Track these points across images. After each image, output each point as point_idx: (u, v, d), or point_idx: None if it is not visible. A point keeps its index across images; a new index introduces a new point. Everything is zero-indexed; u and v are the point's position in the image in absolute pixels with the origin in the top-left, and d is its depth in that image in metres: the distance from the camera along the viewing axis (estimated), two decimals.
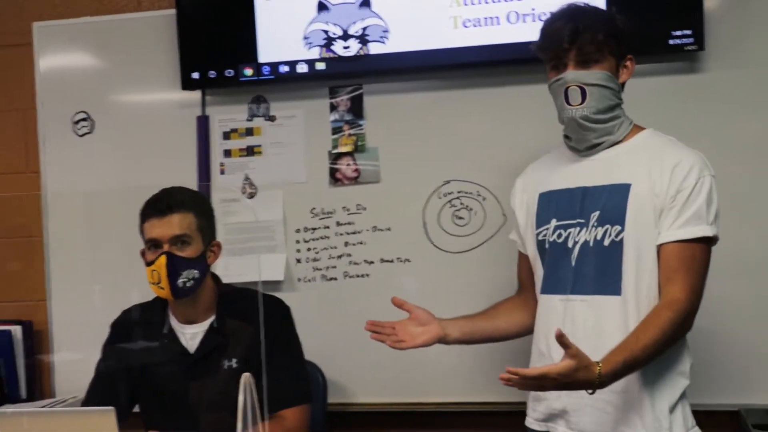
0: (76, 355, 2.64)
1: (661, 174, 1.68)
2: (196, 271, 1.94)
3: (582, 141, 1.77)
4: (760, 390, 2.26)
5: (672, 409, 1.67)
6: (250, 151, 2.62)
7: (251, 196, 2.60)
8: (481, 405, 2.45)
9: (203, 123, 2.64)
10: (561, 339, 1.50)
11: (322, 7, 2.50)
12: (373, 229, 2.54)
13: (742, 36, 2.31)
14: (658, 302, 1.66)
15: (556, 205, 1.80)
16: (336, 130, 2.56)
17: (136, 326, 2.08)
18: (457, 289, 2.47)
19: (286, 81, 2.54)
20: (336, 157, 2.56)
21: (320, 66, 2.51)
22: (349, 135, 2.55)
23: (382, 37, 2.47)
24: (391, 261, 2.52)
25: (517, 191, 1.95)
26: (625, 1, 2.24)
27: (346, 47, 2.49)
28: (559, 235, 1.77)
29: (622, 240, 1.69)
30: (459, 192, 2.49)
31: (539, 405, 1.80)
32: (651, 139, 1.77)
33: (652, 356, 1.60)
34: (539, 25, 2.32)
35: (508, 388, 2.18)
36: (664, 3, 2.29)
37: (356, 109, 2.55)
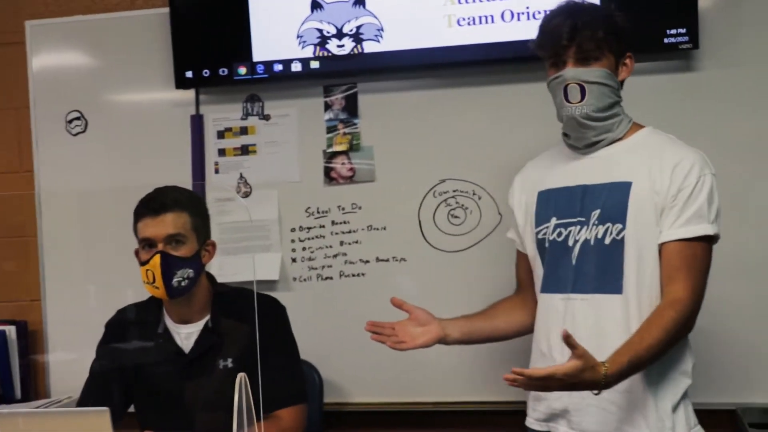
0: (70, 355, 2.64)
1: (661, 172, 1.67)
2: (190, 271, 1.93)
3: (581, 139, 1.76)
4: (758, 389, 2.27)
5: (675, 409, 1.67)
6: (245, 150, 2.61)
7: (246, 195, 2.60)
8: (479, 404, 2.45)
9: (197, 122, 2.63)
10: (568, 339, 1.49)
11: (316, 6, 2.49)
12: (369, 228, 2.53)
13: (737, 35, 2.31)
14: (659, 301, 1.66)
15: (555, 203, 1.79)
16: (331, 129, 2.56)
17: (131, 326, 2.07)
18: (453, 288, 2.47)
19: (281, 80, 2.54)
20: (331, 156, 2.55)
21: (314, 65, 2.51)
22: (344, 134, 2.55)
23: (376, 35, 2.47)
24: (387, 260, 2.52)
25: (515, 190, 1.94)
26: (620, 0, 2.23)
27: (340, 46, 2.49)
28: (559, 234, 1.76)
29: (623, 238, 1.68)
30: (454, 191, 2.49)
31: (540, 405, 1.80)
32: (651, 137, 1.77)
33: (656, 356, 1.60)
34: (534, 23, 2.35)
35: (506, 388, 2.17)
36: (659, 2, 2.29)
37: (351, 107, 2.55)
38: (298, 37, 2.50)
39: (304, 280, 2.56)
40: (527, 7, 2.38)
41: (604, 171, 1.73)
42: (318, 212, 2.56)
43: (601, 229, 1.70)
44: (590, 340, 1.63)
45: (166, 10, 2.57)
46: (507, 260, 2.24)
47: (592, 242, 1.71)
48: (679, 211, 1.65)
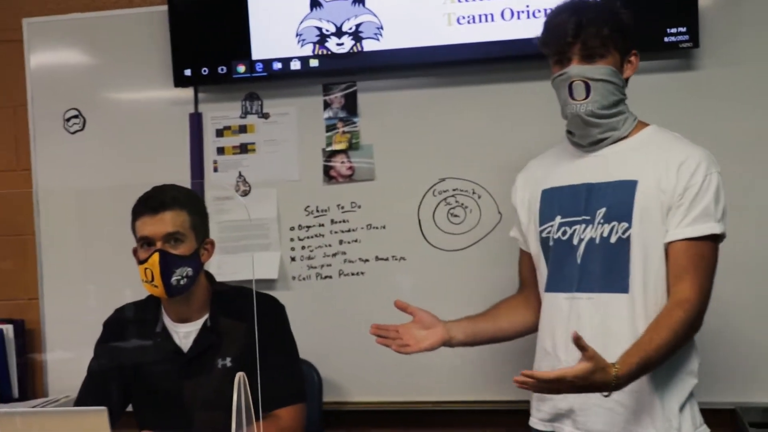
0: (68, 354, 2.63)
1: (667, 171, 1.66)
2: (189, 269, 1.92)
3: (586, 137, 1.75)
4: (757, 388, 2.27)
5: (681, 408, 1.67)
6: (244, 148, 2.60)
7: (245, 193, 2.60)
8: (480, 404, 2.44)
9: (196, 120, 2.62)
10: (578, 341, 1.48)
11: (315, 4, 2.48)
12: (368, 227, 2.53)
13: (737, 34, 2.31)
14: (665, 300, 1.65)
15: (559, 201, 1.78)
16: (330, 128, 2.55)
17: (129, 325, 2.06)
18: (453, 288, 2.46)
19: (280, 78, 2.53)
20: (330, 155, 2.55)
21: (314, 63, 2.50)
22: (343, 132, 2.54)
23: (376, 33, 2.46)
24: (386, 259, 2.51)
25: (518, 188, 1.93)
26: None
27: (339, 44, 2.48)
28: (564, 233, 1.75)
29: (629, 237, 1.67)
30: (454, 190, 2.48)
31: (544, 405, 1.78)
32: (656, 135, 1.76)
33: (665, 357, 1.59)
34: (534, 21, 2.36)
35: (507, 387, 2.17)
36: (660, 1, 2.28)
37: (350, 106, 2.54)
38: (297, 35, 2.50)
39: (304, 279, 2.56)
40: (527, 6, 2.37)
41: (609, 169, 1.72)
42: (317, 211, 2.56)
43: (607, 227, 1.70)
44: (596, 340, 1.62)
45: (165, 7, 2.56)
46: (507, 259, 2.24)
47: (597, 241, 1.70)
48: (686, 210, 1.64)
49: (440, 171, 2.49)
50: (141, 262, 1.91)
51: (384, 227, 2.52)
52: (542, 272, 1.82)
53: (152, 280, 1.89)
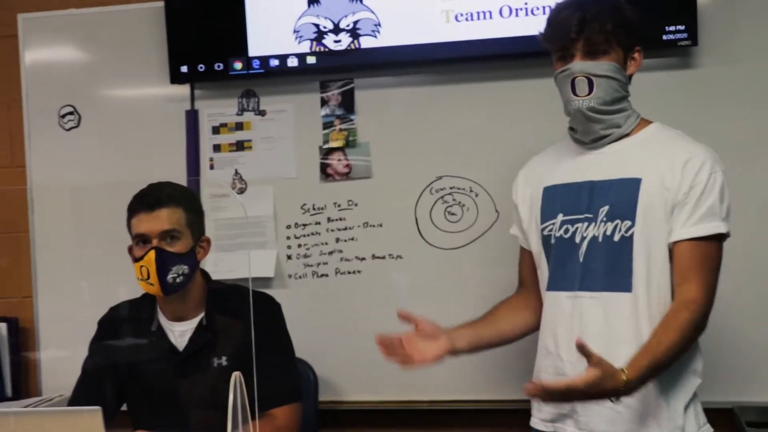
0: (62, 353, 2.61)
1: (672, 169, 1.65)
2: (185, 267, 1.91)
3: (588, 133, 1.74)
4: (755, 388, 2.26)
5: (686, 408, 1.66)
6: (240, 145, 2.59)
7: (241, 191, 2.58)
8: (477, 403, 2.43)
9: (192, 117, 2.61)
10: (582, 349, 1.47)
11: (312, 1, 2.47)
12: (365, 225, 2.51)
13: (735, 32, 2.31)
14: (670, 300, 1.65)
15: (562, 199, 1.76)
16: (327, 125, 2.54)
17: (124, 323, 2.05)
18: (450, 286, 2.46)
19: (277, 75, 2.52)
20: (327, 153, 2.54)
21: (311, 60, 2.49)
22: (340, 130, 2.53)
23: (373, 30, 2.45)
24: (383, 257, 2.50)
25: (520, 185, 1.91)
26: None
27: (337, 41, 2.47)
28: (566, 231, 1.74)
29: (632, 235, 1.66)
30: (451, 188, 2.47)
31: (545, 405, 1.77)
32: (659, 132, 1.75)
33: (673, 359, 1.58)
34: (532, 19, 2.36)
35: (506, 386, 2.16)
36: None
37: (347, 103, 2.53)
38: (294, 32, 2.48)
39: (300, 277, 2.54)
40: (525, 3, 2.36)
41: (612, 167, 1.71)
42: (314, 209, 2.55)
43: (610, 226, 1.68)
44: (598, 339, 1.62)
45: (161, 3, 2.54)
46: (504, 258, 2.23)
47: (600, 239, 1.69)
48: (691, 209, 1.64)
49: (437, 169, 2.48)
50: (136, 259, 1.90)
51: (381, 225, 2.51)
52: (543, 271, 1.81)
53: (148, 277, 1.87)
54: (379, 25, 2.44)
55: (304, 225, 2.55)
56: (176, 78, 2.55)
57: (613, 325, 1.67)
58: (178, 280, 1.90)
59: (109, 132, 2.65)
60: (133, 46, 2.63)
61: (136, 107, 2.65)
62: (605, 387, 1.47)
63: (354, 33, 2.45)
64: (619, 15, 1.69)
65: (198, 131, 2.60)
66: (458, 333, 1.81)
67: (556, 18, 1.72)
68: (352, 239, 2.52)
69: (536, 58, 2.33)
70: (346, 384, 2.51)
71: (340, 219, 2.53)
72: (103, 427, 1.42)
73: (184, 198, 1.97)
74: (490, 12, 2.38)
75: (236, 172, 2.58)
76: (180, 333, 1.99)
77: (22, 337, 2.72)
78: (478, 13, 2.39)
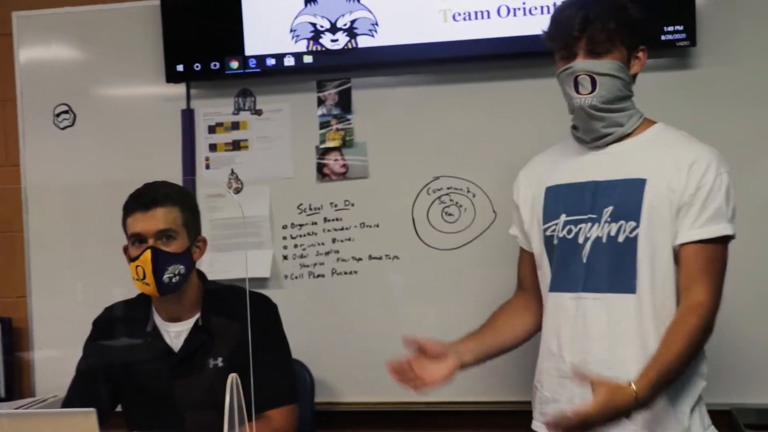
0: (56, 353, 2.60)
1: (677, 170, 1.65)
2: (181, 267, 1.90)
3: (589, 131, 1.73)
4: (753, 390, 2.26)
5: (692, 411, 1.65)
6: (236, 145, 2.58)
7: (237, 191, 2.57)
8: (477, 405, 2.42)
9: (188, 116, 2.59)
10: (578, 374, 1.47)
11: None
12: (362, 225, 2.50)
13: (734, 32, 2.30)
14: (674, 301, 1.64)
15: (565, 199, 1.75)
16: (324, 125, 2.53)
17: (119, 324, 2.03)
18: (447, 287, 2.45)
19: (273, 74, 2.51)
20: (323, 152, 2.52)
21: (308, 59, 2.48)
22: (337, 130, 2.52)
23: (370, 30, 2.44)
24: (380, 258, 2.49)
25: (521, 185, 1.89)
26: None
27: (334, 40, 2.46)
28: (569, 231, 1.73)
29: (636, 236, 1.65)
30: (449, 188, 2.46)
31: (547, 407, 1.75)
32: (663, 133, 1.74)
33: (684, 365, 1.58)
34: (530, 19, 2.35)
35: (505, 387, 2.15)
36: None
37: (344, 103, 2.52)
38: (291, 31, 2.47)
39: (296, 277, 2.53)
40: (524, 3, 2.36)
41: (616, 167, 1.70)
42: (310, 209, 2.53)
43: (614, 226, 1.67)
44: (602, 340, 1.61)
45: (157, 2, 2.53)
46: (501, 259, 2.22)
47: (604, 240, 1.68)
48: (698, 210, 1.63)
49: (435, 169, 2.47)
50: (132, 259, 1.89)
51: (377, 226, 2.50)
52: (545, 272, 1.79)
53: (144, 277, 1.86)
54: (377, 24, 2.43)
55: (301, 225, 2.54)
56: (172, 77, 2.54)
57: (617, 326, 1.66)
58: (174, 280, 1.88)
59: (105, 131, 2.63)
60: (128, 45, 2.61)
61: (132, 106, 2.64)
62: (617, 402, 1.47)
63: (351, 32, 2.44)
64: (622, 14, 1.68)
65: (194, 130, 2.59)
66: (464, 347, 1.79)
67: (559, 16, 1.71)
68: (349, 239, 2.51)
69: (534, 59, 2.35)
70: (342, 385, 2.49)
71: (337, 219, 2.52)
72: (98, 429, 1.41)
73: (180, 197, 1.96)
74: (488, 12, 2.38)
75: (232, 172, 2.57)
76: (175, 334, 1.97)
77: (16, 337, 2.70)
78: (475, 12, 2.38)
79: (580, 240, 1.71)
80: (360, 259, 2.50)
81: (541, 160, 1.88)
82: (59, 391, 2.17)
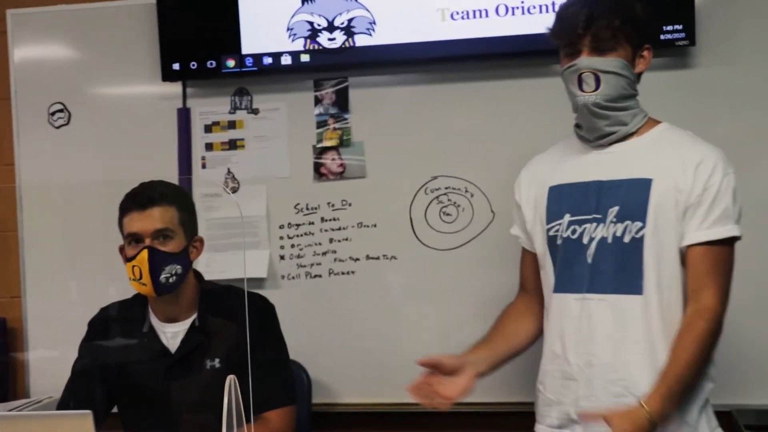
0: (51, 354, 2.58)
1: (684, 170, 1.64)
2: (178, 267, 1.88)
3: (593, 130, 1.71)
4: (753, 391, 2.25)
5: (700, 412, 1.65)
6: (233, 144, 2.56)
7: (234, 190, 2.56)
8: (477, 406, 2.38)
9: (184, 115, 2.58)
10: (587, 416, 1.49)
11: None
12: (359, 225, 2.49)
13: (733, 32, 2.30)
14: (681, 302, 1.63)
15: (569, 199, 1.74)
16: (321, 124, 2.51)
17: (115, 324, 2.01)
18: (445, 288, 2.44)
19: (270, 73, 2.49)
20: (321, 152, 2.51)
21: (305, 58, 2.46)
22: (334, 129, 2.50)
23: (368, 28, 2.42)
24: (377, 258, 2.48)
25: (523, 184, 1.87)
26: None
27: (331, 39, 2.44)
28: (574, 231, 1.71)
29: (643, 237, 1.64)
30: (447, 188, 2.45)
31: (552, 410, 1.74)
32: (668, 132, 1.73)
33: (697, 371, 1.58)
34: (529, 18, 2.34)
35: (505, 388, 2.13)
36: None
37: (341, 102, 2.50)
38: (288, 29, 2.46)
39: (293, 278, 2.52)
40: (522, 2, 2.35)
41: (621, 167, 1.69)
42: (307, 209, 2.52)
43: (620, 227, 1.66)
44: (607, 342, 1.60)
45: (153, 0, 2.51)
46: (499, 259, 2.21)
47: (609, 240, 1.67)
48: (705, 212, 1.62)
49: (433, 169, 2.46)
50: (128, 259, 1.87)
51: (375, 226, 2.48)
52: (548, 272, 1.78)
53: (140, 278, 1.84)
54: (374, 23, 2.42)
55: (298, 225, 2.52)
56: (168, 75, 2.52)
57: (623, 328, 1.65)
58: (171, 280, 1.87)
59: (100, 130, 2.62)
60: (124, 43, 2.60)
61: (127, 105, 2.62)
62: (635, 424, 1.48)
63: (348, 31, 2.43)
64: (627, 11, 1.67)
65: (190, 129, 2.58)
66: (478, 357, 1.78)
67: (564, 13, 1.70)
68: (346, 239, 2.50)
69: (533, 58, 2.35)
70: (339, 386, 2.48)
71: (334, 219, 2.51)
72: (94, 431, 1.39)
73: (177, 197, 1.94)
74: (486, 10, 2.36)
75: (229, 171, 2.56)
76: (172, 334, 1.96)
77: (10, 338, 2.68)
78: (474, 11, 2.37)
79: (585, 240, 1.69)
80: (357, 260, 2.49)
81: (543, 159, 1.87)
82: (54, 392, 2.15)
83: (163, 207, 1.88)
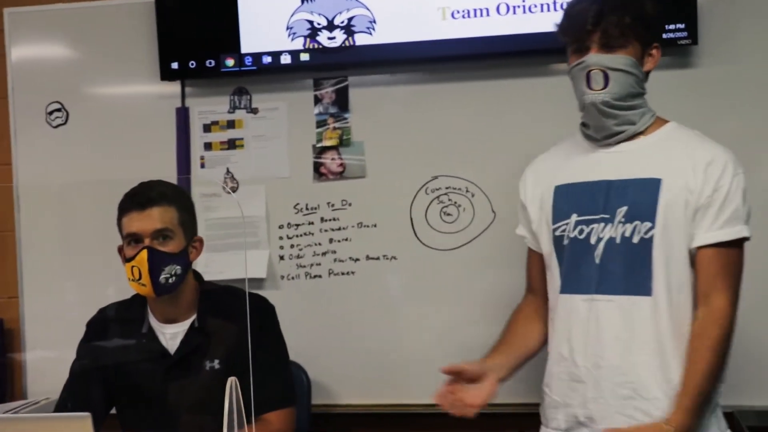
0: (49, 355, 2.57)
1: (694, 170, 1.62)
2: (178, 267, 1.87)
3: (601, 129, 1.70)
4: (755, 392, 2.25)
5: (711, 414, 1.63)
6: (232, 144, 2.55)
7: (233, 190, 2.54)
8: None
9: (183, 115, 2.56)
10: None
11: None
12: (359, 225, 2.48)
13: (736, 31, 2.29)
14: (690, 303, 1.63)
15: (576, 199, 1.72)
16: (320, 124, 2.50)
17: (114, 325, 2.00)
18: (445, 288, 2.43)
19: (269, 72, 2.48)
20: (320, 151, 2.50)
21: (304, 57, 2.45)
22: (334, 128, 2.49)
23: (368, 27, 2.41)
24: (377, 258, 2.47)
25: (528, 183, 1.85)
26: None
27: (331, 38, 2.43)
28: (581, 231, 1.69)
29: (652, 237, 1.63)
30: (447, 188, 2.44)
31: (558, 413, 1.73)
32: (676, 132, 1.72)
33: (715, 379, 1.58)
34: (530, 17, 2.33)
35: (509, 389, 2.10)
36: None
37: (341, 101, 2.49)
38: (287, 28, 2.45)
39: (292, 278, 2.51)
40: (523, 1, 2.34)
41: (629, 166, 1.67)
42: (307, 209, 2.51)
43: (629, 227, 1.65)
44: (616, 343, 1.59)
45: None
46: (500, 259, 2.20)
47: (618, 240, 1.65)
48: (715, 212, 1.61)
49: (433, 169, 2.45)
50: (128, 259, 1.86)
51: (375, 226, 2.47)
52: (554, 273, 1.76)
53: (139, 278, 1.83)
54: (374, 21, 2.41)
55: (297, 225, 2.51)
56: (167, 75, 2.51)
57: (631, 329, 1.63)
58: (170, 280, 1.85)
59: (98, 129, 2.61)
60: (122, 42, 2.58)
61: (126, 104, 2.61)
62: None
63: (348, 30, 2.42)
64: (638, 8, 1.66)
65: (189, 129, 2.56)
66: (497, 363, 1.77)
67: (572, 9, 1.69)
68: (346, 240, 2.49)
69: (534, 57, 2.34)
70: (339, 387, 2.47)
71: (334, 219, 2.49)
72: None
73: (177, 197, 1.93)
74: (487, 9, 2.35)
75: (228, 171, 2.54)
76: (171, 335, 1.94)
77: (8, 339, 2.67)
78: (474, 10, 2.36)
79: (593, 240, 1.68)
80: (357, 260, 2.48)
81: (548, 158, 1.85)
82: (52, 394, 2.14)
83: (162, 207, 1.87)
